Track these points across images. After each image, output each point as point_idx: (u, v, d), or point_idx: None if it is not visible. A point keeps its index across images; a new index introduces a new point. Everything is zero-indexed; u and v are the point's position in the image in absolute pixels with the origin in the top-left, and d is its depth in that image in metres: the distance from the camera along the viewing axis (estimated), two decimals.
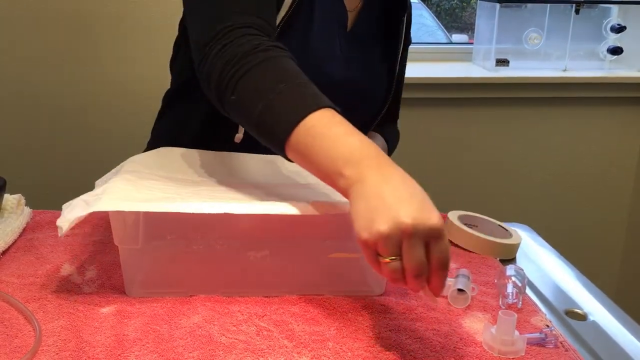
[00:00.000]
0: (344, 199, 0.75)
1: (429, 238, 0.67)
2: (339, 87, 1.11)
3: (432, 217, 0.67)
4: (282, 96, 0.78)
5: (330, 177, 0.74)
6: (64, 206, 0.79)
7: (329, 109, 0.77)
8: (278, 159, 1.02)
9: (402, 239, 0.66)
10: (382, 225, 0.66)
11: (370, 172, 0.71)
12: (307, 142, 0.75)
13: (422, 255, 0.67)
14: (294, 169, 0.97)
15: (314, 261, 0.84)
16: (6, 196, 1.02)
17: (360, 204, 0.69)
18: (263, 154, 1.01)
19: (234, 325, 0.78)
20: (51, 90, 1.89)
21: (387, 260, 0.67)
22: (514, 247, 1.02)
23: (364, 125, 1.22)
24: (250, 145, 1.02)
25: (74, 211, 0.77)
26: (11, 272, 0.89)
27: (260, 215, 0.78)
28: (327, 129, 0.75)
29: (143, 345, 0.73)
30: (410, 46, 1.28)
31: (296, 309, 0.82)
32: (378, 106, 1.22)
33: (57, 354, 0.71)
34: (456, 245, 1.02)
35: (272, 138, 0.79)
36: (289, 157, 0.79)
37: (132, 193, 0.81)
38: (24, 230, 1.02)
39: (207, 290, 0.84)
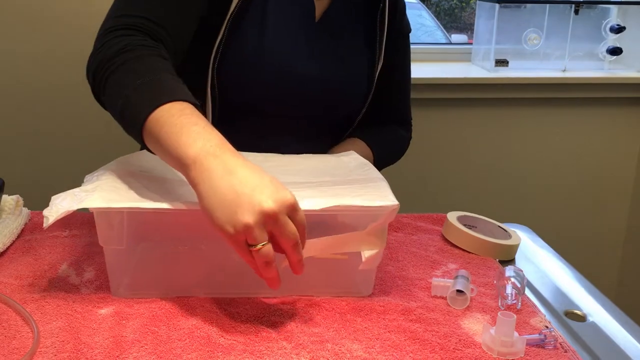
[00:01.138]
0: (333, 199, 0.78)
1: (289, 213, 0.71)
2: (309, 83, 1.10)
3: (286, 194, 0.72)
4: (138, 91, 0.82)
5: (179, 166, 0.76)
6: (53, 197, 0.79)
7: (182, 102, 0.79)
8: (273, 157, 1.02)
9: (268, 224, 0.70)
10: (248, 217, 0.69)
11: (212, 163, 0.73)
12: (156, 131, 0.78)
13: (294, 228, 0.72)
14: (291, 168, 0.98)
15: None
16: (4, 197, 1.02)
17: (213, 199, 0.71)
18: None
19: (233, 327, 0.78)
20: (50, 90, 1.88)
21: (259, 246, 0.70)
22: (513, 248, 1.02)
23: (348, 124, 1.20)
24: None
25: (63, 203, 0.76)
26: (9, 274, 0.88)
27: None
28: (173, 118, 0.77)
29: (141, 346, 0.73)
30: (411, 42, 1.23)
31: (295, 311, 0.82)
32: (359, 103, 1.18)
33: (55, 355, 0.71)
34: (455, 246, 1.02)
35: (132, 130, 0.81)
36: (149, 147, 0.81)
37: (123, 192, 0.81)
38: (22, 231, 1.01)
39: (193, 291, 0.84)
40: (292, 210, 0.72)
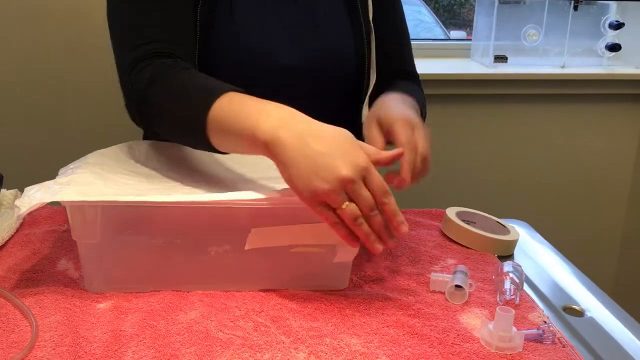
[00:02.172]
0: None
1: (364, 176, 0.74)
2: (289, 59, 1.08)
3: (359, 157, 0.75)
4: (184, 106, 0.86)
5: (257, 148, 0.79)
6: (27, 188, 0.79)
7: (229, 93, 0.83)
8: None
9: (346, 188, 0.74)
10: (324, 185, 0.73)
11: (281, 133, 0.76)
12: (220, 128, 0.82)
13: (368, 193, 0.74)
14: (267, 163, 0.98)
15: (276, 256, 0.83)
16: (3, 191, 1.02)
17: (292, 171, 0.75)
18: None
19: (231, 321, 0.78)
20: (49, 85, 1.88)
21: (344, 206, 0.74)
22: (512, 244, 1.02)
23: (355, 93, 1.15)
24: None
25: (37, 195, 0.76)
26: (8, 267, 0.88)
27: (221, 208, 0.79)
28: (232, 107, 0.81)
29: (140, 340, 0.73)
30: (410, 38, 1.19)
31: (293, 305, 0.82)
32: (355, 66, 1.13)
33: (53, 349, 0.71)
34: (454, 242, 1.02)
35: (201, 140, 0.85)
36: (215, 145, 0.84)
37: (100, 187, 0.81)
38: (21, 225, 1.01)
39: (169, 285, 0.84)
40: (365, 172, 0.74)
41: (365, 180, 0.75)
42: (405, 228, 0.77)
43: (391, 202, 0.76)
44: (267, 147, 0.77)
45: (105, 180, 0.84)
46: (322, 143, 0.75)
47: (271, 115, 0.79)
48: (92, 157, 0.91)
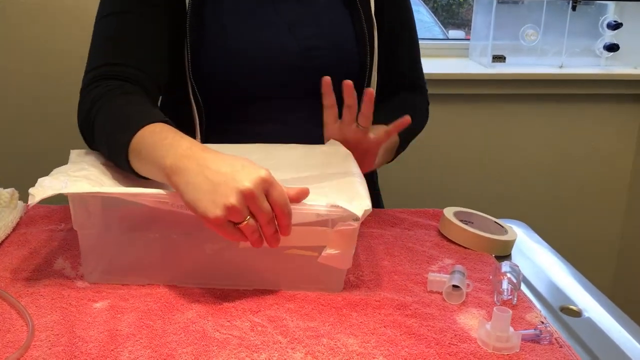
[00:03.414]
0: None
1: (266, 188, 0.75)
2: (285, 55, 1.08)
3: (259, 171, 0.75)
4: (111, 135, 0.89)
5: (164, 177, 0.81)
6: (40, 179, 0.80)
7: (150, 125, 0.86)
8: (256, 148, 1.01)
9: (247, 202, 0.74)
10: (229, 199, 0.73)
11: (186, 163, 0.78)
12: (138, 159, 0.85)
13: (268, 205, 0.75)
14: (272, 162, 0.98)
15: (270, 256, 0.83)
16: (0, 190, 1.02)
17: (193, 194, 0.76)
18: None
19: (228, 321, 0.78)
20: (46, 85, 1.88)
21: (245, 222, 0.75)
22: (510, 244, 1.02)
23: (358, 95, 1.15)
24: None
25: (52, 184, 0.78)
26: (4, 267, 0.88)
27: None
28: (146, 142, 0.84)
29: (137, 340, 0.73)
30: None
31: (290, 305, 0.82)
32: (357, 62, 1.13)
33: (49, 348, 0.71)
34: (451, 241, 1.02)
35: (125, 168, 0.88)
36: (136, 170, 0.86)
37: (108, 181, 0.84)
38: (18, 224, 1.01)
39: (165, 279, 0.85)
40: (268, 185, 0.75)
41: (267, 193, 0.75)
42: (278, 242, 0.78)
43: (288, 214, 0.77)
44: (168, 175, 0.79)
45: (114, 176, 0.87)
46: (223, 163, 0.77)
47: (181, 146, 0.81)
48: (86, 157, 0.93)
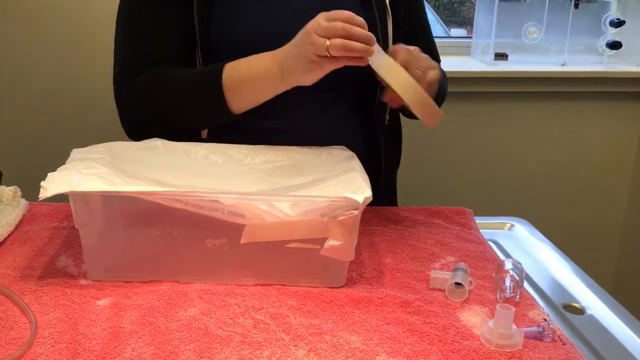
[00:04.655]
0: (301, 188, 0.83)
1: (331, 17, 0.90)
2: None
3: (320, 16, 0.91)
4: (196, 78, 1.03)
5: (274, 80, 0.97)
6: (50, 174, 0.80)
7: (224, 66, 1.00)
8: (263, 150, 1.02)
9: (322, 25, 0.89)
10: (309, 25, 0.91)
11: (282, 58, 0.96)
12: (234, 72, 0.99)
13: (339, 22, 0.89)
14: (278, 164, 1.00)
15: (272, 251, 0.83)
16: (2, 188, 1.02)
17: (289, 48, 0.95)
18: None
19: (231, 318, 0.78)
20: (49, 82, 1.88)
21: (329, 42, 0.88)
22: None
23: (370, 91, 1.14)
24: (215, 142, 1.04)
25: (65, 180, 0.79)
26: (7, 264, 0.88)
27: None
28: (240, 63, 1.00)
29: (139, 337, 0.73)
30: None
31: (293, 302, 0.82)
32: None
33: (52, 345, 0.71)
34: (454, 239, 1.02)
35: (212, 99, 1.00)
36: (230, 102, 0.99)
37: (115, 178, 0.83)
38: (20, 222, 1.01)
39: (167, 276, 0.85)
40: (329, 17, 0.90)
41: (331, 19, 0.89)
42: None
43: (358, 21, 0.90)
44: (279, 64, 0.95)
45: (122, 174, 0.87)
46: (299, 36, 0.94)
47: (262, 59, 0.98)
48: (106, 151, 0.93)
